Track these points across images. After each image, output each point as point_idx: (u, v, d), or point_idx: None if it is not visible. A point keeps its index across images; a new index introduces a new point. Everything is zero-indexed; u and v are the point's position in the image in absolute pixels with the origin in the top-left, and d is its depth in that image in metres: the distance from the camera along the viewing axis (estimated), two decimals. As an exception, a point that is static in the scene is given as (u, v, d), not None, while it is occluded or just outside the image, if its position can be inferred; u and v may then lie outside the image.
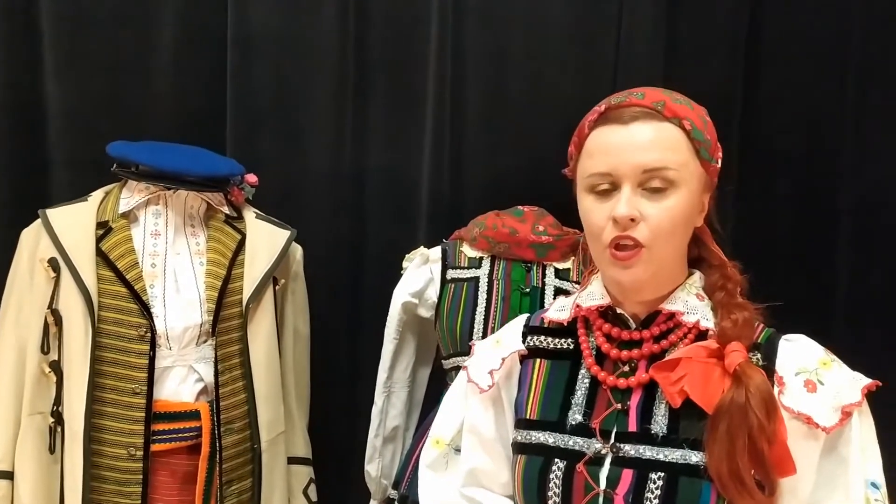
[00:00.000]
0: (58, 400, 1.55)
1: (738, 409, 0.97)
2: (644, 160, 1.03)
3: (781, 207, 2.03)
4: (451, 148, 2.05)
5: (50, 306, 1.55)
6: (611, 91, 1.16)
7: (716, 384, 1.01)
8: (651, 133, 1.04)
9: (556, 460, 1.07)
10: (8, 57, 1.97)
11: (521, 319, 1.22)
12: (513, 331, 1.21)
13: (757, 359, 1.04)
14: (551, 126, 2.03)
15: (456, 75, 2.03)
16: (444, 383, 1.80)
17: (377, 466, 1.84)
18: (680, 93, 1.11)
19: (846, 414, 1.00)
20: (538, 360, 1.16)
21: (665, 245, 1.05)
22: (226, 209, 1.73)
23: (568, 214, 1.78)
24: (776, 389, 1.02)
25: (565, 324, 1.16)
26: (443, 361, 1.79)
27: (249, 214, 1.76)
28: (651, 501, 1.00)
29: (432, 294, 1.77)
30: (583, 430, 1.07)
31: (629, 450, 1.03)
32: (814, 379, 1.02)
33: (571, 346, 1.14)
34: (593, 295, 1.15)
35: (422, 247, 1.84)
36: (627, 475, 1.02)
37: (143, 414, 1.53)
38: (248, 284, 1.65)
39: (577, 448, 1.06)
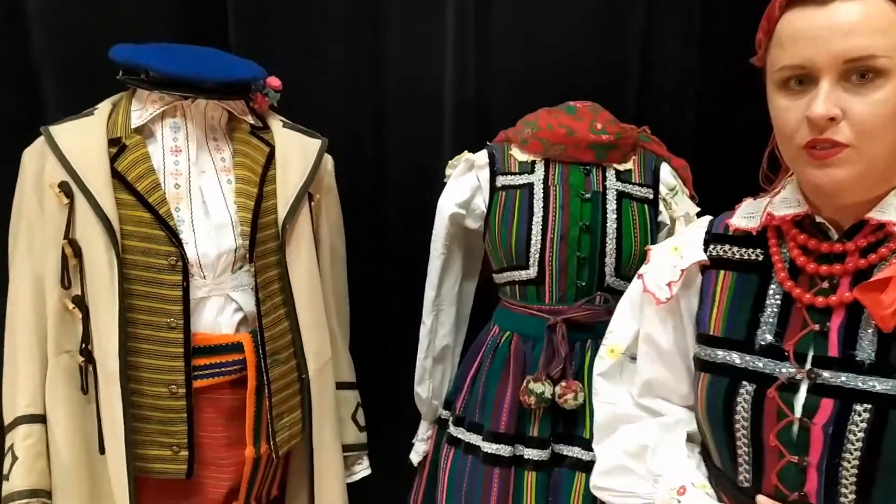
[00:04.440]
0: (86, 337, 1.42)
1: None
2: (846, 48, 0.88)
3: None
4: (476, 40, 1.87)
5: (66, 236, 1.39)
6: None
7: None
8: (855, 12, 0.88)
9: (744, 383, 0.98)
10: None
11: (703, 224, 1.12)
12: (694, 237, 1.11)
13: None
14: (584, 22, 1.86)
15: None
16: (494, 299, 1.69)
17: (427, 388, 1.73)
18: None
19: None
20: (722, 272, 1.06)
21: (873, 144, 0.90)
22: (250, 119, 1.54)
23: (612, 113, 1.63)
24: None
25: (754, 233, 1.05)
26: (494, 276, 1.66)
27: (276, 123, 1.58)
28: (855, 434, 0.90)
29: (480, 203, 1.62)
30: (774, 352, 0.98)
31: (829, 377, 0.93)
32: None
33: (761, 258, 1.03)
34: (788, 202, 1.02)
35: (466, 151, 1.67)
36: (828, 405, 0.92)
37: (182, 349, 1.41)
38: (283, 202, 1.49)
39: (767, 371, 0.97)
